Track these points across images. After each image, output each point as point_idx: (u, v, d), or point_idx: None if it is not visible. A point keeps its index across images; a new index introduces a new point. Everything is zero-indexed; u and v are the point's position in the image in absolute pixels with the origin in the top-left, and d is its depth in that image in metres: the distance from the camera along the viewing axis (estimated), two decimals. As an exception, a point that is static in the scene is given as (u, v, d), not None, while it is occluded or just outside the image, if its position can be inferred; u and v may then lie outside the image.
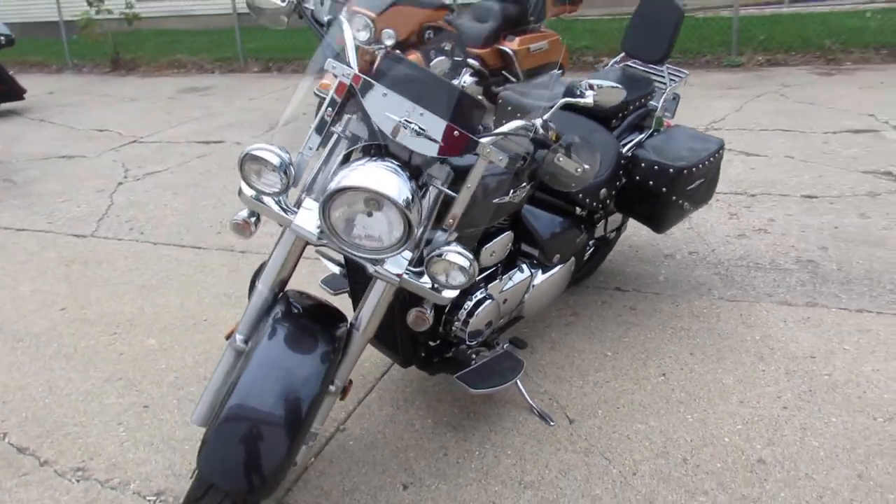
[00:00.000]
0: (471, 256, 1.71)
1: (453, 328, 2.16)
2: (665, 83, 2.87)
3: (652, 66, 2.90)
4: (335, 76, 1.75)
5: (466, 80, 6.15)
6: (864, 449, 2.10)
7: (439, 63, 5.93)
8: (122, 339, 2.99)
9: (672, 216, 2.70)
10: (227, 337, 1.90)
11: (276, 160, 1.64)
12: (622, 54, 2.98)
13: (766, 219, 3.64)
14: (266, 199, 1.76)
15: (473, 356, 2.22)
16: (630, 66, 2.99)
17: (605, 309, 2.95)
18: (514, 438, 2.26)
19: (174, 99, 7.81)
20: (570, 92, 1.92)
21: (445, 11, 5.41)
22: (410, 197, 1.62)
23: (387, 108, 1.70)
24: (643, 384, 2.47)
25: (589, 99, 1.89)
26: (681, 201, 2.63)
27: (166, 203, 4.55)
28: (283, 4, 1.89)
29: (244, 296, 3.33)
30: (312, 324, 1.79)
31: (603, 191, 2.53)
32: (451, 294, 1.81)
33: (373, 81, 1.72)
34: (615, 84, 1.89)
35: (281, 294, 1.84)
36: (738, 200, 3.87)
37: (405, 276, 1.76)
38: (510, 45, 5.65)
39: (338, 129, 1.80)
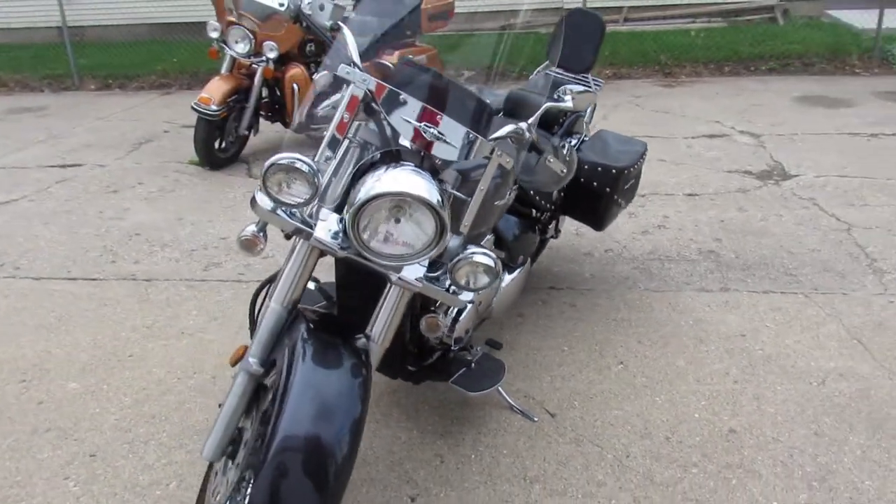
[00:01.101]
0: (495, 256, 1.73)
1: (439, 335, 2.16)
2: (591, 91, 3.05)
3: (575, 75, 3.07)
4: (351, 83, 1.71)
5: (348, 94, 6.08)
6: (811, 410, 2.37)
7: (322, 78, 5.86)
8: (35, 387, 2.66)
9: (612, 214, 2.88)
10: (234, 363, 1.77)
11: (306, 169, 1.57)
12: (546, 63, 3.13)
13: (661, 216, 3.97)
14: (279, 212, 1.68)
15: (470, 361, 2.24)
16: (549, 74, 3.15)
17: (547, 308, 3.07)
18: (506, 438, 2.30)
19: (4, 121, 7.00)
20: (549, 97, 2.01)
21: (328, 25, 5.34)
22: (441, 198, 1.62)
23: (405, 114, 1.69)
24: (606, 373, 2.61)
25: (569, 103, 1.99)
26: (619, 199, 2.82)
27: (37, 234, 4.09)
28: (282, 10, 1.81)
29: (166, 326, 3.12)
30: (335, 339, 1.72)
31: (555, 192, 2.64)
32: (468, 297, 1.83)
33: (393, 88, 1.70)
34: (587, 88, 2.01)
35: (294, 311, 1.75)
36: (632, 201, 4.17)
37: (425, 282, 1.75)
38: (390, 59, 5.67)
39: (349, 135, 1.76)
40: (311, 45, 5.30)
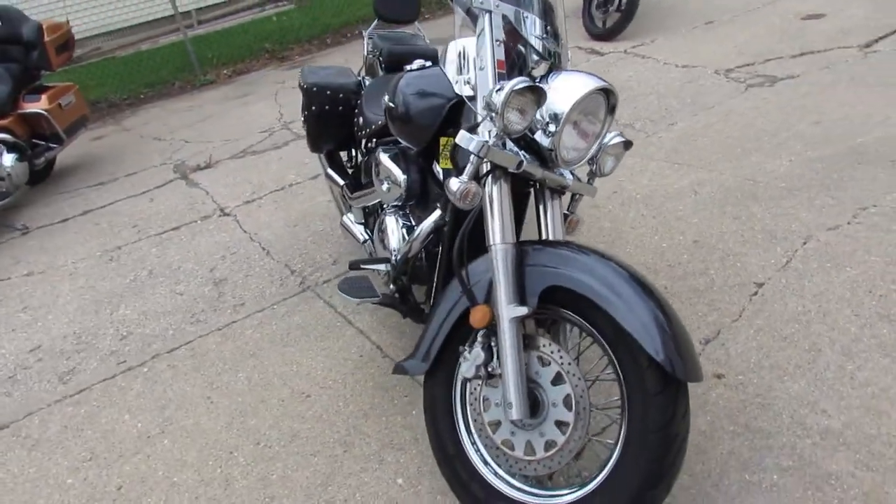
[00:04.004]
0: (622, 132, 1.95)
1: None
2: (425, 40, 3.23)
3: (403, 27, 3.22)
4: (486, 11, 1.69)
5: (7, 159, 5.14)
6: (717, 209, 3.11)
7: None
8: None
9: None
10: (486, 325, 1.64)
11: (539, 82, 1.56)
12: (377, 20, 3.18)
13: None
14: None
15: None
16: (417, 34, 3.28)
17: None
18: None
19: None
20: None
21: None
22: None
23: (531, 32, 1.76)
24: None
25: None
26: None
27: None
28: None
29: (108, 450, 2.48)
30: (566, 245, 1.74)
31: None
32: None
33: (516, 8, 1.74)
34: None
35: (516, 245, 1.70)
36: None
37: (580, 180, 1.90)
38: (40, 106, 4.78)
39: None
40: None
